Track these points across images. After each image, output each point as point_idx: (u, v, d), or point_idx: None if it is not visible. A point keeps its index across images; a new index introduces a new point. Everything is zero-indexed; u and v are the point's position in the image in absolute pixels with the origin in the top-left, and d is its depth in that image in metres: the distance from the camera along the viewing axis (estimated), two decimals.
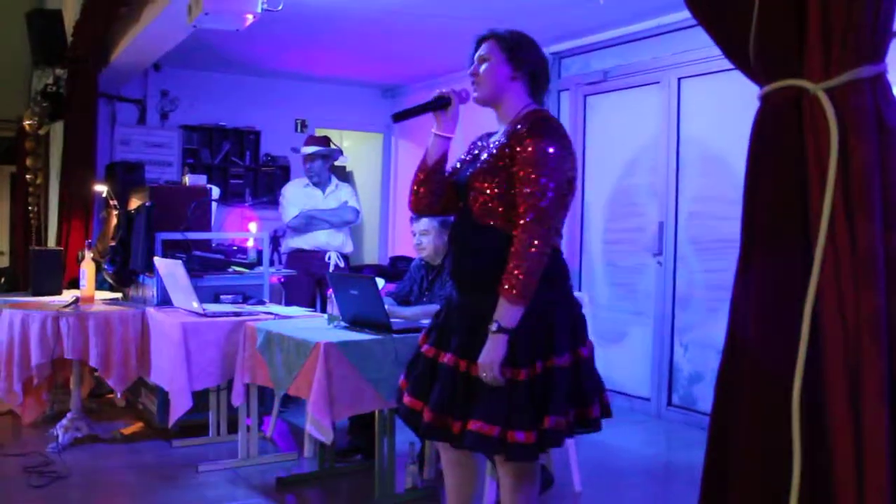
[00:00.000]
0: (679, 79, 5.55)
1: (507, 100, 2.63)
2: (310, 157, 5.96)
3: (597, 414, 2.60)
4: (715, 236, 5.27)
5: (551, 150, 2.46)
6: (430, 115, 2.70)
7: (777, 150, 1.41)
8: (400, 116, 2.75)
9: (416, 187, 2.73)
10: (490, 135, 2.73)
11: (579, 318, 2.61)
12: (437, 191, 2.71)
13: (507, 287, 2.41)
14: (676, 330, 5.56)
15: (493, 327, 2.42)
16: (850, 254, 1.31)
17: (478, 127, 2.85)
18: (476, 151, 2.71)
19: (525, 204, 2.43)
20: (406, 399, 2.66)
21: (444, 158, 2.71)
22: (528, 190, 2.43)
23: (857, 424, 1.30)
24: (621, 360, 5.95)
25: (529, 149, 2.45)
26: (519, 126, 2.53)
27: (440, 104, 2.66)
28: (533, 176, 2.43)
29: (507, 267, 2.42)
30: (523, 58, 2.61)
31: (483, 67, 2.62)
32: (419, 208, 2.78)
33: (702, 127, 5.43)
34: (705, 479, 1.59)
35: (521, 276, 2.39)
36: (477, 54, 2.66)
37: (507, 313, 2.41)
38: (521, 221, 2.43)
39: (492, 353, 2.41)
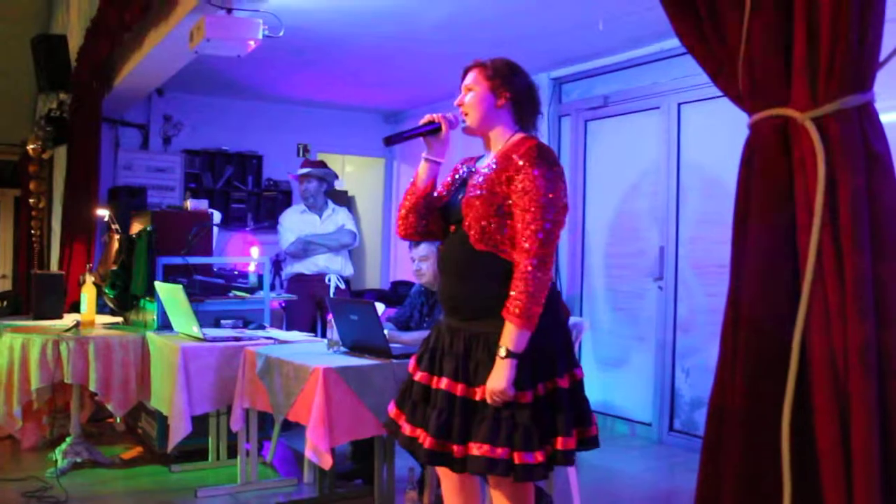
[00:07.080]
0: (679, 104, 5.57)
1: (495, 128, 2.67)
2: (304, 178, 5.98)
3: (595, 432, 2.64)
4: (716, 261, 5.26)
5: (548, 177, 2.49)
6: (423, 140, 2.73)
7: (765, 179, 1.41)
8: (391, 140, 2.81)
9: (404, 212, 2.77)
10: (475, 159, 2.77)
11: (570, 340, 2.67)
12: (426, 215, 2.75)
13: (514, 312, 2.42)
14: (678, 355, 5.55)
15: (502, 353, 2.43)
16: (839, 284, 1.31)
17: (467, 151, 2.88)
18: (464, 176, 2.74)
19: (526, 231, 2.46)
20: (405, 429, 2.67)
21: (433, 183, 2.75)
22: (529, 217, 2.46)
23: (846, 454, 1.30)
24: (623, 385, 5.93)
25: (527, 178, 2.48)
26: (513, 154, 2.55)
27: (431, 129, 2.70)
28: (532, 205, 2.46)
29: (511, 293, 2.44)
30: (508, 85, 2.65)
31: (468, 97, 2.67)
32: (407, 233, 2.80)
33: (702, 152, 5.44)
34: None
35: (527, 301, 2.41)
36: (463, 84, 2.71)
37: (515, 338, 2.43)
38: (523, 248, 2.45)
39: (502, 378, 2.42)
